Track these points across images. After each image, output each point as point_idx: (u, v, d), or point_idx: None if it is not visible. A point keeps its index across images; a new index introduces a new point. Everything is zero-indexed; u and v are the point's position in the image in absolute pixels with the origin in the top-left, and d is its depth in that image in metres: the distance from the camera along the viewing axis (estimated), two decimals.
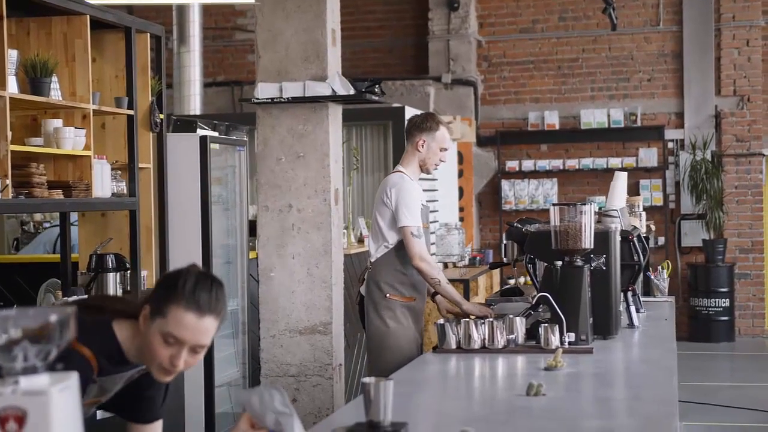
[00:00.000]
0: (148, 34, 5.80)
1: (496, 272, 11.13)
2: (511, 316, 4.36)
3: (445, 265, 10.14)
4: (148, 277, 5.78)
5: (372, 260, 5.28)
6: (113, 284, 5.35)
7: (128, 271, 5.49)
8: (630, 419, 3.00)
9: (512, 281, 12.36)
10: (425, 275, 5.08)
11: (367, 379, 2.73)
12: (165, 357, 2.56)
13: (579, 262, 4.38)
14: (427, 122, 5.27)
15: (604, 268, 4.51)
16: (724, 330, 12.16)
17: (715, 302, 12.13)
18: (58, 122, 4.96)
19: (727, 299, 12.15)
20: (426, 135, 5.24)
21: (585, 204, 4.40)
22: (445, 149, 5.30)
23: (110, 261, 5.35)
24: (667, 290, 6.45)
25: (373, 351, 5.26)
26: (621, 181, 5.48)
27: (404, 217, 5.07)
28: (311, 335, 5.74)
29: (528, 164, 12.79)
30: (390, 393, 2.72)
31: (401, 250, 5.17)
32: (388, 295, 5.16)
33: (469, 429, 2.62)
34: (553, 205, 4.44)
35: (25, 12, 5.08)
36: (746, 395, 9.19)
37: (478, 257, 10.83)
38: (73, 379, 1.78)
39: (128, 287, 5.52)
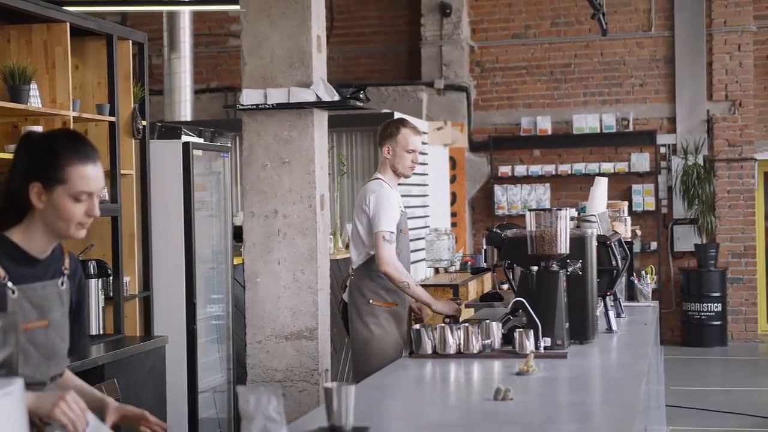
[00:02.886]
0: (131, 41, 5.82)
1: (488, 277, 11.14)
2: (487, 321, 4.38)
3: (436, 270, 10.15)
4: (131, 283, 5.80)
5: (354, 267, 5.37)
6: (95, 290, 5.37)
7: (110, 278, 5.51)
8: (591, 423, 3.01)
9: (505, 286, 12.36)
10: (393, 280, 5.17)
11: (328, 384, 2.75)
12: (79, 214, 2.65)
13: (555, 267, 4.40)
14: (387, 129, 5.41)
15: (580, 273, 4.52)
16: (716, 334, 12.17)
17: (708, 307, 12.13)
18: (38, 129, 4.97)
19: (720, 304, 12.16)
20: (389, 141, 5.37)
21: (561, 209, 4.42)
22: (412, 150, 5.37)
23: (92, 267, 5.36)
24: (650, 295, 6.46)
25: (357, 357, 5.30)
26: (601, 186, 5.50)
27: (379, 223, 5.17)
28: (297, 341, 5.75)
29: (521, 169, 12.81)
30: (352, 398, 2.74)
31: None
32: (371, 301, 5.26)
33: None
34: (530, 210, 4.46)
35: (5, 20, 5.11)
36: (737, 400, 9.20)
37: (469, 262, 10.83)
38: (17, 384, 1.80)
39: (110, 293, 5.54)
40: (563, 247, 4.39)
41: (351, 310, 5.30)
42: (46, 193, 2.64)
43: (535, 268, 4.39)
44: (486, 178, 12.96)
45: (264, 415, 2.55)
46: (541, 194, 12.78)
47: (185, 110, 10.61)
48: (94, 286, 5.37)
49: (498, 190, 12.86)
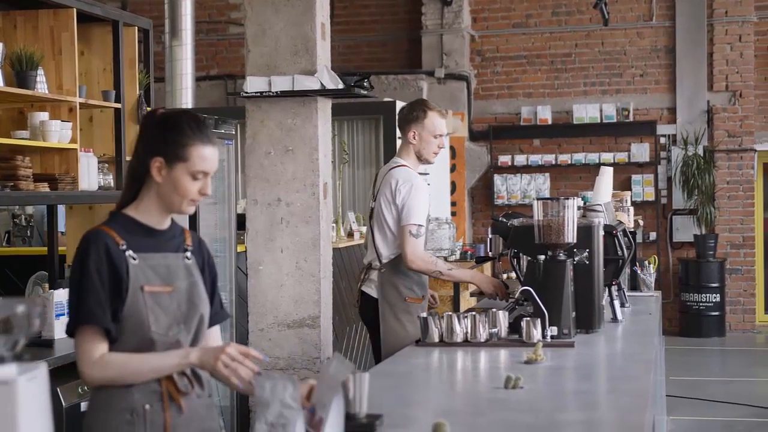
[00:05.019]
0: (136, 28, 5.81)
1: (488, 266, 11.16)
2: (494, 309, 4.39)
3: None
4: None
5: (383, 260, 5.12)
6: None
7: None
8: (603, 412, 3.02)
9: (505, 275, 12.38)
10: (424, 273, 4.98)
11: None
12: (194, 191, 2.82)
13: (562, 257, 4.40)
14: (413, 112, 5.14)
15: (587, 262, 4.52)
16: (714, 325, 12.20)
17: (706, 297, 12.16)
18: (44, 115, 4.97)
19: (718, 294, 12.18)
20: (415, 125, 5.13)
21: (568, 199, 4.42)
22: (439, 135, 5.14)
23: None
24: (653, 285, 6.47)
25: (391, 354, 5.13)
26: (606, 176, 5.50)
27: (409, 215, 4.94)
28: (299, 329, 5.75)
29: (520, 159, 12.81)
30: (366, 385, 2.75)
31: None
32: (407, 298, 5.05)
33: (443, 421, 2.64)
34: (537, 199, 4.45)
35: (12, 5, 5.10)
36: (736, 390, 9.22)
37: (469, 252, 10.84)
38: (41, 369, 1.81)
39: None
40: (570, 236, 4.39)
41: (383, 306, 5.06)
42: (167, 168, 2.80)
43: (543, 257, 4.40)
44: (486, 167, 12.96)
45: (280, 401, 2.57)
46: (541, 184, 12.79)
47: (186, 97, 10.53)
48: None
49: (498, 179, 12.86)
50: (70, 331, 2.79)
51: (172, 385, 2.80)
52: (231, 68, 13.46)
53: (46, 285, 5.41)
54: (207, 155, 2.81)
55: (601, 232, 4.69)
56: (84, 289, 2.73)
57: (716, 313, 12.20)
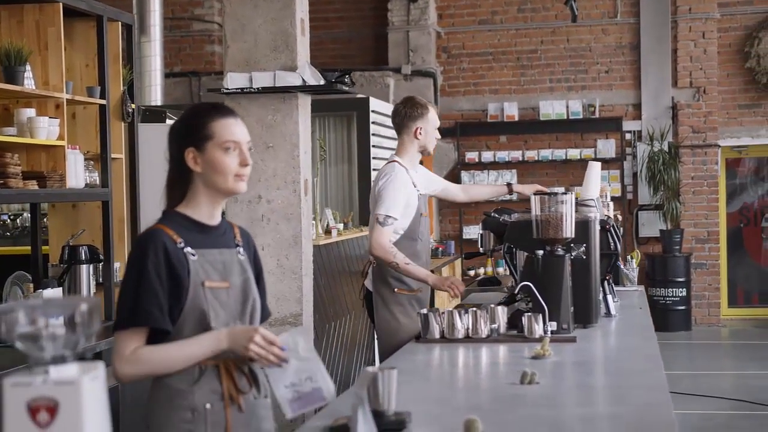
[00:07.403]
0: (120, 23, 5.72)
1: (458, 263, 11.18)
2: (492, 305, 4.38)
3: None
4: (121, 268, 5.71)
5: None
6: (86, 276, 5.28)
7: (101, 263, 5.42)
8: (630, 406, 2.99)
9: (472, 272, 12.41)
10: (382, 262, 5.04)
11: (371, 368, 2.73)
12: (233, 164, 2.81)
13: (560, 251, 4.40)
14: (417, 109, 5.24)
15: (584, 257, 4.53)
16: (680, 319, 12.31)
17: (672, 292, 12.26)
18: (31, 111, 4.87)
19: (684, 289, 12.29)
20: (420, 122, 5.24)
21: (566, 193, 4.42)
22: (438, 126, 5.35)
23: (83, 253, 5.27)
24: (636, 279, 6.50)
25: (384, 347, 5.16)
26: (595, 170, 5.51)
27: (378, 205, 5.03)
28: (281, 327, 5.72)
29: (487, 155, 12.84)
30: (394, 382, 2.73)
31: (404, 242, 5.09)
32: (396, 290, 5.12)
33: (474, 417, 2.62)
34: (534, 194, 4.45)
35: None
36: (704, 383, 9.31)
37: (440, 248, 10.86)
38: (100, 369, 1.76)
39: (101, 279, 5.45)
40: (569, 231, 4.39)
41: (376, 298, 5.15)
42: (200, 154, 2.80)
43: (541, 252, 4.39)
44: (453, 164, 12.97)
45: (296, 357, 2.59)
46: (508, 180, 12.81)
47: (156, 95, 10.46)
48: (86, 271, 5.29)
49: (465, 176, 12.87)
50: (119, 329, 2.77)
51: (233, 384, 2.78)
52: (195, 65, 13.34)
53: (30, 285, 5.31)
54: (230, 125, 2.82)
55: (597, 227, 4.70)
56: (142, 290, 2.71)
57: (682, 308, 12.31)
